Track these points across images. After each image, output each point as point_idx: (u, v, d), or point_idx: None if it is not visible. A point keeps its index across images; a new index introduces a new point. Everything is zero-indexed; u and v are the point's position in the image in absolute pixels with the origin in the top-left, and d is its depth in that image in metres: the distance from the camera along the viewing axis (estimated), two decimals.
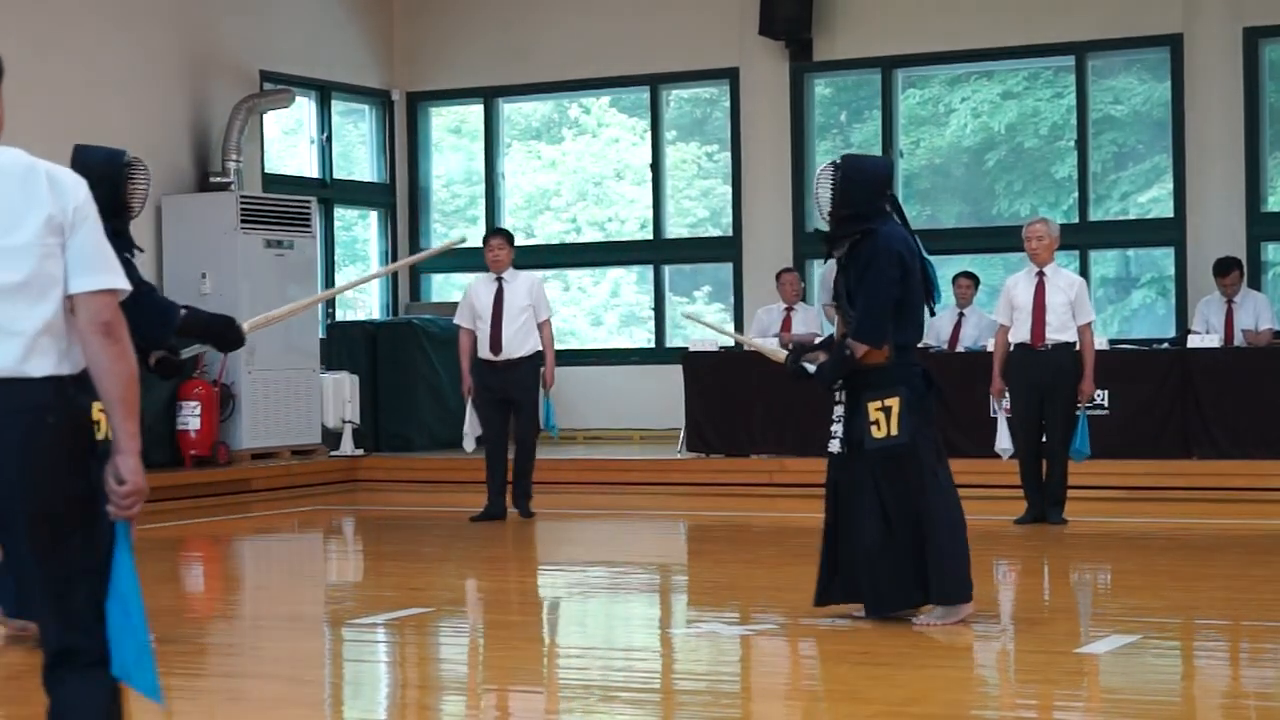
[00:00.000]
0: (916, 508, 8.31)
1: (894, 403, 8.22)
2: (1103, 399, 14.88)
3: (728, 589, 10.30)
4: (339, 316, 19.49)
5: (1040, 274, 12.75)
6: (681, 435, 16.71)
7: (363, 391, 17.76)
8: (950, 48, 18.44)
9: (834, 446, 8.42)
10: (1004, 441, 12.91)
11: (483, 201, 20.57)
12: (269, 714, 7.16)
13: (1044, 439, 12.84)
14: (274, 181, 18.63)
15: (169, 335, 8.18)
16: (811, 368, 8.63)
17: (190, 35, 17.22)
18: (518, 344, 13.58)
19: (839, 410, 8.41)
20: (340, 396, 17.58)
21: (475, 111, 20.62)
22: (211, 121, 17.78)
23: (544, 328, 13.72)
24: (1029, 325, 12.69)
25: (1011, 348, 12.83)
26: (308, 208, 17.61)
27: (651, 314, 19.82)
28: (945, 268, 17.36)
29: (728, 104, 19.46)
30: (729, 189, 19.49)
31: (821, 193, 8.40)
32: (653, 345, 19.72)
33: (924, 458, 8.32)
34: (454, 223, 21.02)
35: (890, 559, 8.32)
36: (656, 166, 19.64)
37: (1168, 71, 17.85)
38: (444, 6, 20.26)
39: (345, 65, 19.80)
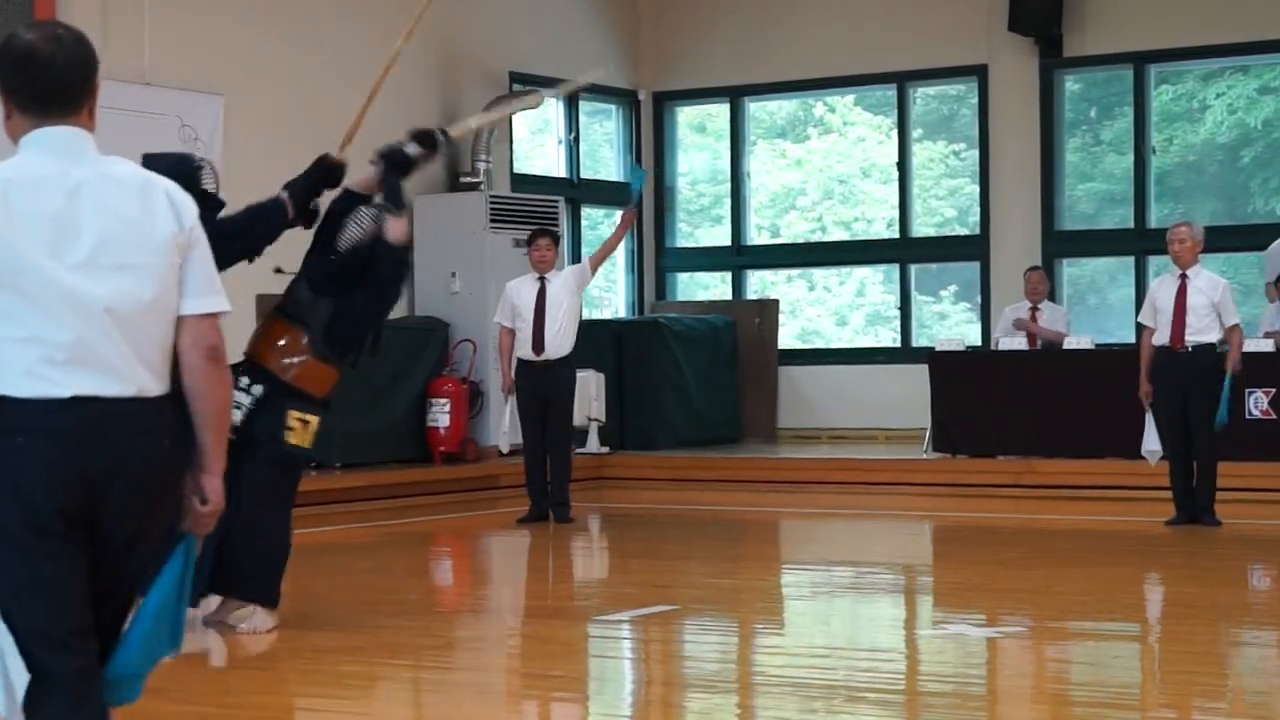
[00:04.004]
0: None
1: (314, 420, 8.50)
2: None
3: (974, 590, 10.21)
4: (585, 315, 19.61)
5: (1183, 276, 12.80)
6: (927, 435, 16.57)
7: (609, 389, 17.88)
8: (1205, 42, 18.03)
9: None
10: (1151, 444, 12.86)
11: (728, 200, 20.60)
12: (516, 707, 7.25)
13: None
14: (522, 181, 18.83)
15: (275, 228, 8.81)
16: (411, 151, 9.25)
17: (440, 37, 17.45)
18: (559, 344, 13.61)
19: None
20: (586, 395, 17.66)
21: (721, 110, 20.66)
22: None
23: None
24: (1169, 328, 12.71)
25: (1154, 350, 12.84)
26: (556, 207, 17.79)
27: (897, 313, 19.69)
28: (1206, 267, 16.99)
29: (975, 101, 19.26)
30: (976, 188, 19.29)
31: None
32: (898, 345, 19.58)
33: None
34: (699, 221, 21.08)
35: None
36: (903, 165, 19.50)
37: None
38: (690, 6, 20.33)
39: (592, 65, 19.91)
